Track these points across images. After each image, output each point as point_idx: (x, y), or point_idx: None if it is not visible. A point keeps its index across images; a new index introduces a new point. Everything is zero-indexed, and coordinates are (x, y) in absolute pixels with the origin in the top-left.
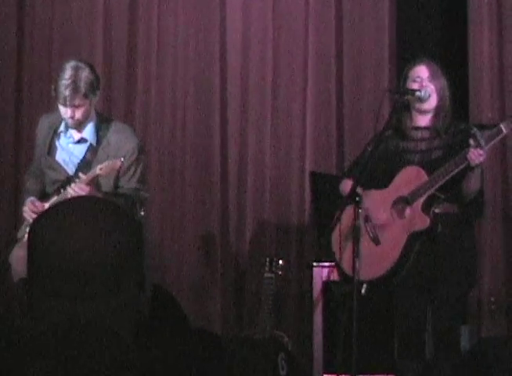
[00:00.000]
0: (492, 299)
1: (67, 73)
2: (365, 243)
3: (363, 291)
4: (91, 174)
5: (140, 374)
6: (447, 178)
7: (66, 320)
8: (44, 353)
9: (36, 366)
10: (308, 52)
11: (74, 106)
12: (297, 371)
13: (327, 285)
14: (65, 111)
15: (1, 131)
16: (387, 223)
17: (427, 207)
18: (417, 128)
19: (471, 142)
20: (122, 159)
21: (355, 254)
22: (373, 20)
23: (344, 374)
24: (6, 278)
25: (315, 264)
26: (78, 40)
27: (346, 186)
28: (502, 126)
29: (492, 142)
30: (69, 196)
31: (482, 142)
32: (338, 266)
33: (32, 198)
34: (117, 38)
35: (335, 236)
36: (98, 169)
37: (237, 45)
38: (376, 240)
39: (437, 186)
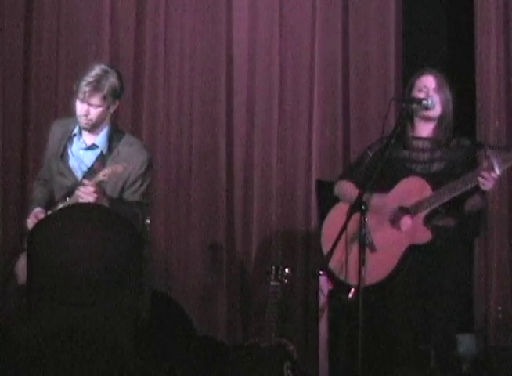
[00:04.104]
0: (500, 308)
1: (94, 72)
2: (356, 248)
3: (350, 295)
4: (95, 180)
5: None
6: (454, 195)
7: (64, 327)
8: (42, 360)
9: (34, 372)
10: (314, 61)
11: (90, 105)
12: None
13: (333, 294)
14: (81, 108)
15: (9, 137)
16: (380, 229)
17: (428, 221)
18: (418, 138)
19: (484, 163)
20: (124, 164)
21: (362, 262)
22: (379, 29)
23: None
24: (11, 287)
25: (320, 272)
26: (85, 47)
27: (343, 187)
28: None
29: (507, 166)
30: (78, 199)
31: (496, 166)
32: (332, 275)
33: (38, 209)
34: (124, 44)
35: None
36: (101, 175)
37: (244, 52)
38: (371, 246)
39: (442, 202)
